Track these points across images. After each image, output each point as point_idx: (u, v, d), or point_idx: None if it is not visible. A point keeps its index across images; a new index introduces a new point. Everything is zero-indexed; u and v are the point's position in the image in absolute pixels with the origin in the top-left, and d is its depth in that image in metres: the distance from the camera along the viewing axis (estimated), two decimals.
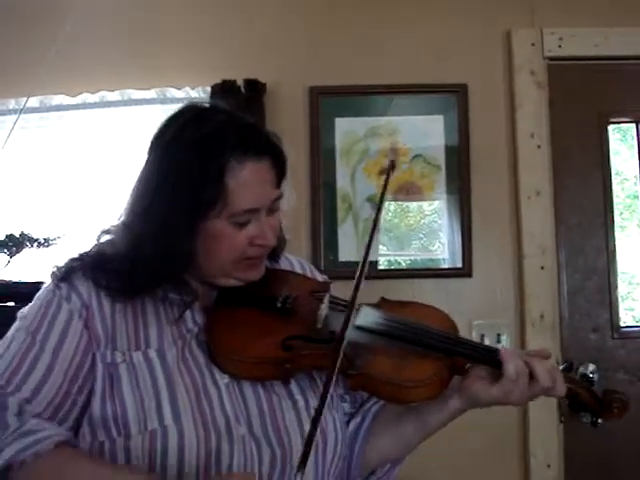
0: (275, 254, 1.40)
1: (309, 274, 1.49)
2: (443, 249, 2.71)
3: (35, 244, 2.43)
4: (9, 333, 1.22)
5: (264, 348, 1.23)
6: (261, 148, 1.22)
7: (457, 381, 1.27)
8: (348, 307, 1.19)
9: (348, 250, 2.67)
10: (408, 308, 1.36)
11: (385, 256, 2.72)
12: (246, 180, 1.18)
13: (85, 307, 1.21)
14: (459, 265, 2.68)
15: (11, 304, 2.33)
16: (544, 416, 2.57)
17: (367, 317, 1.27)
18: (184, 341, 1.24)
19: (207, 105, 1.28)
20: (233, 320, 1.27)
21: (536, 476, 2.58)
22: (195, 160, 1.17)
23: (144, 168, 1.24)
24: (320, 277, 1.50)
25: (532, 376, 1.21)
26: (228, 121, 1.22)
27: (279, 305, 1.29)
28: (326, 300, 1.29)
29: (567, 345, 2.64)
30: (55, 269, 1.25)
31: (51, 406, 1.16)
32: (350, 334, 1.18)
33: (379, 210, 1.35)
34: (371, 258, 2.57)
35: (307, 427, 1.19)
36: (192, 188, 1.16)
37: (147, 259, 1.19)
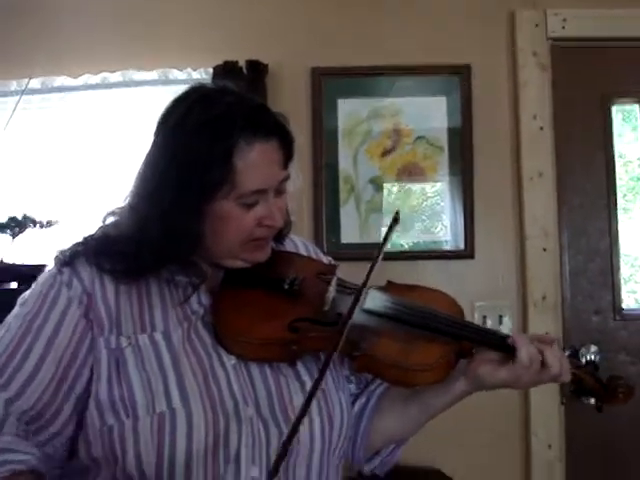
0: (281, 236, 1.40)
1: (314, 256, 1.49)
2: (446, 231, 2.71)
3: (37, 226, 2.43)
4: (8, 320, 1.21)
5: (271, 330, 1.23)
6: (269, 129, 1.21)
7: (463, 364, 1.27)
8: (357, 292, 1.19)
9: (350, 232, 2.67)
10: (415, 292, 1.36)
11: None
12: (254, 161, 1.18)
13: (86, 294, 1.21)
14: (461, 247, 2.68)
15: (14, 285, 2.34)
16: (546, 397, 2.58)
17: (374, 300, 1.27)
18: (189, 323, 1.24)
19: (214, 86, 1.27)
20: (239, 301, 1.27)
21: (537, 456, 2.59)
22: (203, 142, 1.16)
23: (151, 150, 1.23)
24: (325, 259, 1.50)
25: (542, 363, 1.22)
26: (236, 102, 1.21)
27: (286, 287, 1.29)
28: (334, 282, 1.30)
29: (569, 327, 2.64)
30: (59, 253, 1.24)
31: (41, 400, 1.16)
32: (357, 317, 1.18)
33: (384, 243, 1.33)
34: (373, 240, 2.61)
35: (312, 408, 1.20)
36: (199, 170, 1.16)
37: (153, 241, 1.18)
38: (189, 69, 2.68)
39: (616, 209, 2.70)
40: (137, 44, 2.71)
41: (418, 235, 2.72)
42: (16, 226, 2.41)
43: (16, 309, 1.22)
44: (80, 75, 2.72)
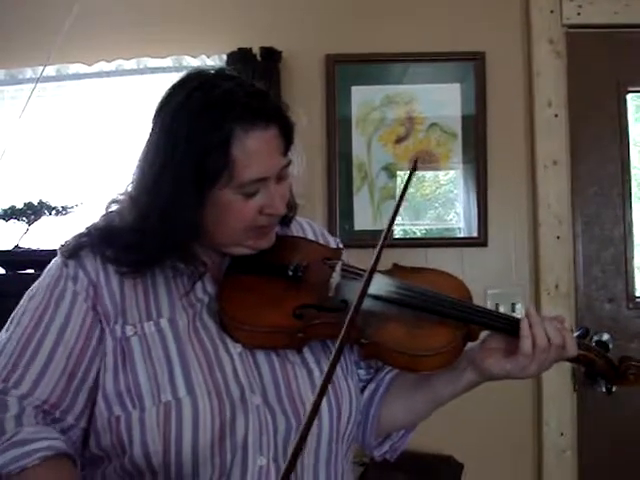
0: (287, 219, 1.39)
1: (321, 239, 1.46)
2: (459, 219, 2.71)
3: (53, 212, 2.44)
4: (17, 314, 1.22)
5: (276, 317, 1.22)
6: (267, 116, 1.18)
7: (472, 353, 1.27)
8: (365, 279, 1.15)
9: (364, 219, 2.68)
10: (421, 274, 1.34)
11: (400, 225, 2.72)
12: (253, 150, 1.16)
13: (92, 285, 1.21)
14: (474, 234, 2.67)
15: (30, 271, 2.36)
16: (558, 384, 2.58)
17: (380, 285, 1.25)
18: (194, 310, 1.24)
19: (213, 71, 1.24)
20: (244, 289, 1.26)
21: (549, 444, 2.60)
22: (200, 130, 1.14)
23: (150, 138, 1.21)
24: (333, 241, 1.48)
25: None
26: (234, 89, 1.18)
27: (290, 273, 1.27)
28: (338, 268, 1.28)
29: (582, 315, 2.64)
30: (63, 245, 1.24)
31: (54, 394, 1.16)
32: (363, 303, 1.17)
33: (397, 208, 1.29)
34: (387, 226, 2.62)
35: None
36: (198, 159, 1.14)
37: (155, 231, 1.17)
38: (203, 56, 2.68)
39: (630, 197, 2.68)
40: (151, 31, 2.71)
41: (431, 222, 2.72)
42: (32, 212, 2.42)
43: (25, 303, 1.22)
44: (95, 62, 2.73)
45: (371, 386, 1.41)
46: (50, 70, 2.69)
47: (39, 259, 2.31)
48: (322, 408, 1.21)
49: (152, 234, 1.17)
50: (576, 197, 2.67)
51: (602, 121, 2.69)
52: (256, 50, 2.62)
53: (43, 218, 2.45)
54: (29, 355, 1.16)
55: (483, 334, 1.28)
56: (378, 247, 1.13)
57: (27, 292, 1.25)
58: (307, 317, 1.21)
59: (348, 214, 2.69)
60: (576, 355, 1.24)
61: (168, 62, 2.70)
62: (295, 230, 1.44)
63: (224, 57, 2.64)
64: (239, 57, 2.60)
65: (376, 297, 1.24)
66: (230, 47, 2.62)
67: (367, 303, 1.17)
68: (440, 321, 1.23)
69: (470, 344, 1.27)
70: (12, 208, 2.42)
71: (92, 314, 1.20)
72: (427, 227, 2.72)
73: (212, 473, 1.13)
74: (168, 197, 1.16)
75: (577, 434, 2.61)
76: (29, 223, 2.44)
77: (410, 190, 2.72)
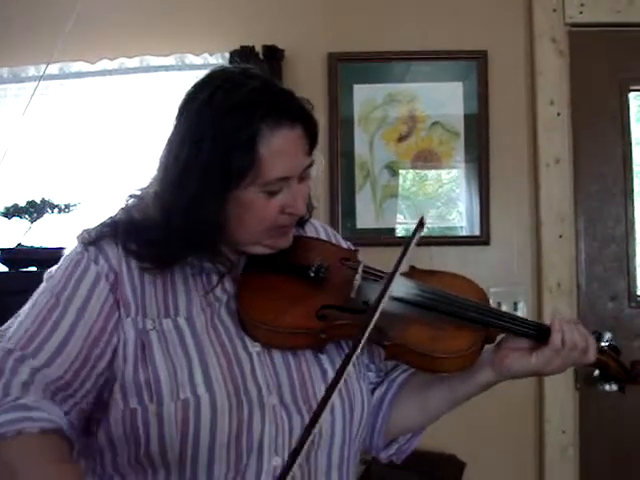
0: (302, 221, 1.39)
1: (334, 240, 1.46)
2: (461, 218, 2.71)
3: (56, 210, 2.45)
4: (35, 295, 1.20)
5: (298, 318, 1.21)
6: (294, 116, 1.18)
7: (486, 353, 1.27)
8: (386, 280, 1.16)
9: (366, 217, 2.68)
10: (439, 278, 1.35)
11: (403, 224, 2.72)
12: (278, 148, 1.16)
13: (114, 272, 1.19)
14: (477, 233, 2.68)
15: (33, 269, 2.36)
16: (560, 383, 2.58)
17: (402, 287, 1.25)
18: (212, 309, 1.23)
19: (238, 70, 1.24)
20: (263, 288, 1.26)
21: (551, 442, 2.60)
22: (227, 128, 1.14)
23: (174, 135, 1.21)
24: (344, 243, 1.48)
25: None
26: (260, 88, 1.18)
27: (312, 274, 1.27)
28: (360, 269, 1.28)
29: (584, 313, 2.64)
30: (85, 232, 1.23)
31: (69, 371, 1.14)
32: (385, 305, 1.16)
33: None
34: (389, 225, 2.63)
35: (337, 397, 1.19)
36: (224, 157, 1.14)
37: (180, 229, 1.17)
38: (206, 54, 2.68)
39: (632, 195, 2.68)
40: (154, 29, 2.72)
41: (433, 221, 2.72)
42: (35, 210, 2.43)
43: (43, 285, 1.21)
44: (98, 60, 2.73)
45: (381, 388, 1.40)
46: (53, 68, 2.69)
47: (42, 257, 2.33)
48: (335, 409, 1.21)
49: (177, 231, 1.17)
50: (578, 195, 2.67)
51: (604, 119, 2.69)
52: (258, 48, 2.62)
53: (46, 216, 2.46)
54: (47, 330, 1.14)
55: (499, 337, 1.29)
56: (402, 251, 1.14)
57: (45, 274, 1.23)
58: (330, 318, 1.21)
59: (350, 212, 2.69)
60: (594, 361, 1.26)
61: (171, 60, 2.70)
62: (309, 231, 1.44)
63: (227, 55, 2.64)
64: (241, 55, 2.60)
65: (398, 299, 1.24)
66: (233, 45, 2.62)
67: (389, 305, 1.18)
68: (461, 324, 1.23)
69: (488, 350, 1.28)
70: (15, 206, 2.43)
71: (112, 298, 1.19)
72: (429, 226, 2.72)
73: (227, 471, 1.13)
74: (194, 195, 1.15)
75: (579, 432, 2.61)
76: (32, 221, 2.44)
77: (412, 189, 2.72)
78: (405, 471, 2.39)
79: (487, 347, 1.28)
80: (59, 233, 2.48)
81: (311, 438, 0.99)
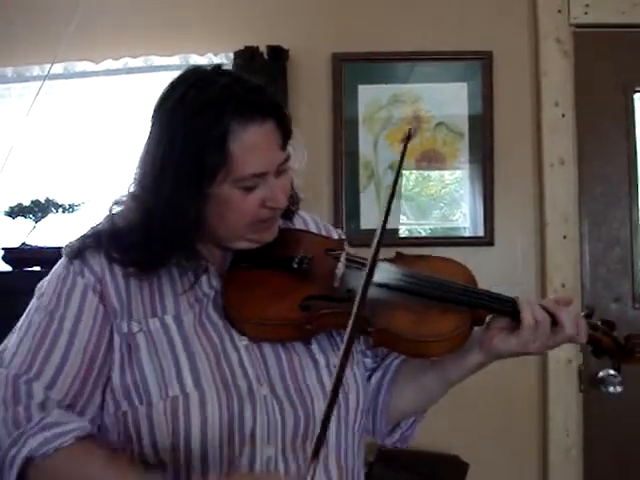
0: (289, 213, 1.39)
1: (324, 232, 1.47)
2: (464, 218, 2.71)
3: (60, 210, 2.45)
4: (28, 313, 1.23)
5: (282, 310, 1.22)
6: (264, 111, 1.18)
7: (477, 334, 1.27)
8: (369, 267, 1.13)
9: (370, 218, 2.68)
10: (425, 261, 1.35)
11: (406, 225, 2.72)
12: (250, 145, 1.16)
13: (99, 281, 1.21)
14: (481, 234, 2.67)
15: (37, 269, 2.36)
16: (564, 385, 2.58)
17: (385, 273, 1.26)
18: (200, 305, 1.24)
19: (209, 68, 1.25)
20: (249, 282, 1.27)
21: (555, 443, 2.60)
22: (198, 127, 1.15)
23: (148, 137, 1.22)
24: (335, 233, 1.49)
25: (556, 324, 1.22)
26: (230, 84, 1.18)
27: (295, 266, 1.28)
28: (343, 258, 1.28)
29: None
30: (68, 246, 1.25)
31: (72, 389, 1.16)
32: (368, 292, 1.17)
33: (398, 174, 1.32)
34: (391, 226, 2.62)
35: (328, 387, 1.19)
36: (196, 155, 1.14)
37: (158, 229, 1.18)
38: (210, 54, 2.68)
39: (637, 197, 2.68)
40: (158, 29, 2.72)
41: (436, 222, 2.72)
42: (39, 210, 2.43)
43: (35, 302, 1.23)
44: (102, 60, 2.73)
45: (378, 373, 1.41)
46: (57, 68, 2.69)
47: (46, 257, 2.31)
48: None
49: (155, 232, 1.18)
50: (583, 197, 2.67)
51: (609, 120, 2.69)
52: (263, 48, 2.62)
53: (50, 216, 2.45)
54: (45, 351, 1.17)
55: (489, 318, 1.29)
56: (379, 230, 1.14)
57: (36, 290, 1.25)
58: (314, 308, 1.22)
59: (354, 213, 2.69)
60: (586, 340, 1.26)
61: (175, 60, 2.70)
62: (298, 224, 1.44)
63: (231, 55, 2.64)
64: (246, 55, 2.60)
65: (382, 285, 1.25)
66: (237, 45, 2.62)
67: (373, 292, 1.17)
68: (447, 307, 1.23)
69: (477, 331, 1.28)
70: (19, 206, 2.43)
71: (103, 307, 1.21)
72: (432, 226, 2.72)
73: (221, 465, 1.14)
74: (169, 194, 1.16)
75: (583, 433, 2.61)
76: (36, 221, 2.44)
77: (415, 190, 2.72)
78: (408, 472, 2.40)
79: (478, 329, 1.27)
80: (63, 233, 2.48)
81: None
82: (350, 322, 1.00)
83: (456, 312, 1.23)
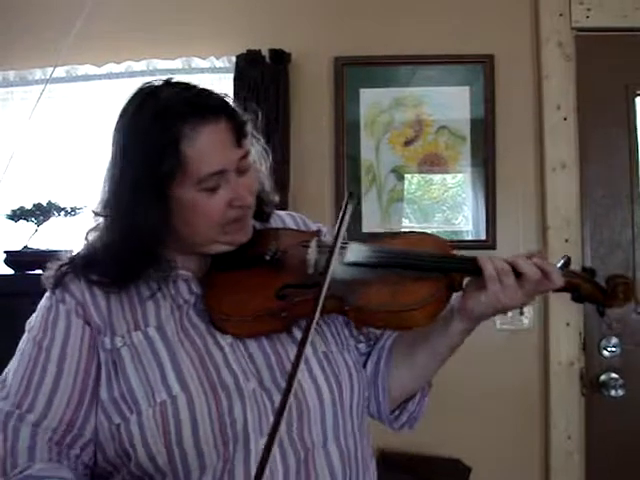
0: (264, 215, 1.42)
1: (302, 226, 1.49)
2: (467, 222, 2.71)
3: (62, 213, 2.46)
4: (20, 346, 1.26)
5: (259, 302, 1.24)
6: (213, 110, 1.21)
7: (454, 302, 1.28)
8: (330, 247, 1.18)
9: (372, 221, 2.68)
10: (398, 238, 1.37)
11: (408, 228, 2.72)
12: (202, 145, 1.18)
13: (80, 305, 1.24)
14: (483, 237, 2.67)
15: (39, 272, 2.36)
16: (566, 388, 2.58)
17: (355, 252, 1.27)
18: (181, 312, 1.26)
19: (160, 82, 1.27)
20: (228, 283, 1.29)
21: (556, 447, 2.59)
22: (150, 135, 1.17)
23: (110, 153, 1.25)
24: (314, 226, 1.50)
25: (520, 274, 1.20)
26: (177, 92, 1.22)
27: (268, 258, 1.29)
28: (313, 244, 1.30)
29: (590, 318, 2.63)
30: (47, 278, 1.27)
31: (68, 412, 1.18)
32: (339, 272, 1.20)
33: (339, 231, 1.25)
34: (395, 230, 2.62)
35: (316, 372, 1.24)
36: (151, 163, 1.17)
37: (123, 241, 1.20)
38: (212, 58, 2.69)
39: (639, 200, 2.68)
40: (161, 33, 2.73)
41: (439, 225, 2.72)
42: (41, 213, 2.44)
43: (25, 335, 1.26)
44: (104, 64, 2.74)
45: (373, 357, 1.42)
46: (59, 71, 2.70)
47: (48, 260, 2.33)
48: (321, 384, 1.24)
49: (123, 245, 1.20)
50: (585, 200, 2.67)
51: (611, 124, 2.69)
52: (265, 52, 2.63)
53: (52, 219, 2.46)
54: (37, 379, 1.20)
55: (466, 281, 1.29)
56: (340, 215, 1.15)
57: (26, 325, 1.28)
58: (289, 296, 1.23)
59: (356, 216, 2.68)
60: (562, 284, 1.24)
61: (177, 64, 2.71)
62: (275, 224, 1.46)
63: (233, 59, 2.65)
64: (248, 59, 2.61)
65: (353, 264, 1.26)
66: (239, 49, 2.63)
67: (346, 271, 1.21)
68: (420, 276, 1.23)
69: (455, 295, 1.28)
70: (21, 209, 2.44)
71: (89, 329, 1.23)
72: (435, 230, 2.72)
73: (217, 462, 1.15)
74: (128, 205, 1.19)
75: (584, 437, 2.61)
76: (38, 224, 2.45)
77: (417, 193, 2.72)
78: (410, 475, 2.40)
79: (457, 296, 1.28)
80: (65, 236, 2.48)
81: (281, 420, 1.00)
82: (318, 298, 1.03)
83: (430, 279, 1.23)
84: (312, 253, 1.28)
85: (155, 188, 1.18)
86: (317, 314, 1.09)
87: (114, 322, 1.23)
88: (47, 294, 1.28)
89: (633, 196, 2.67)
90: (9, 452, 1.14)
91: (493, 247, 2.66)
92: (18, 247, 2.45)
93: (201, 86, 1.26)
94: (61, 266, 1.28)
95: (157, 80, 1.29)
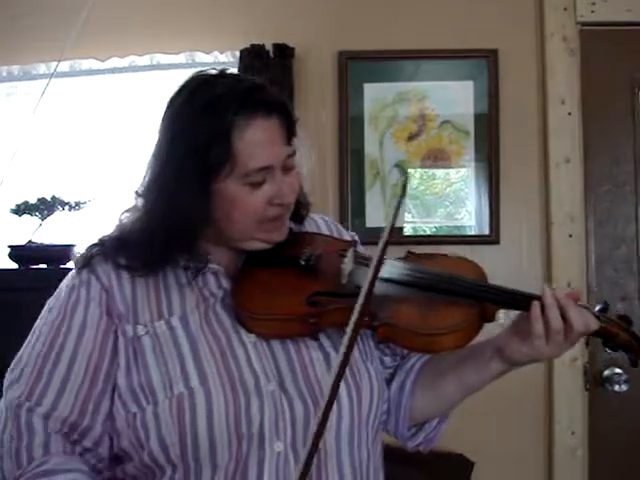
0: (300, 217, 1.40)
1: (336, 234, 1.47)
2: (470, 217, 2.70)
3: (66, 207, 2.46)
4: (38, 326, 1.25)
5: (289, 305, 1.23)
6: (267, 106, 1.21)
7: (497, 341, 1.27)
8: (373, 261, 1.14)
9: (375, 216, 2.68)
10: (435, 259, 1.35)
11: (411, 223, 2.72)
12: (254, 139, 1.18)
13: (105, 289, 1.23)
14: (486, 232, 2.67)
15: (43, 266, 2.37)
16: (569, 383, 2.58)
17: (392, 269, 1.27)
18: (207, 305, 1.25)
19: (215, 72, 1.27)
20: (258, 281, 1.28)
21: (560, 443, 2.59)
22: (202, 125, 1.17)
23: (157, 139, 1.24)
24: (348, 235, 1.49)
25: (568, 326, 1.19)
26: (233, 83, 1.22)
27: (303, 262, 1.28)
28: (349, 255, 1.29)
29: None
30: (76, 257, 1.27)
31: (77, 403, 1.18)
32: (375, 287, 1.17)
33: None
34: (398, 225, 2.61)
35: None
36: (200, 152, 1.16)
37: (161, 228, 1.19)
38: (216, 52, 2.69)
39: None
40: (164, 28, 2.72)
41: (441, 220, 2.72)
42: (45, 208, 2.44)
43: (45, 314, 1.26)
44: (108, 59, 2.74)
45: (401, 375, 1.41)
46: (63, 66, 2.70)
47: (52, 254, 2.34)
48: (340, 393, 1.21)
49: (159, 230, 1.20)
50: (589, 195, 2.66)
51: (615, 119, 2.68)
52: (269, 47, 2.62)
53: (56, 213, 2.46)
54: (50, 367, 1.19)
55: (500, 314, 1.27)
56: (387, 228, 1.12)
57: (47, 303, 1.27)
58: (320, 304, 1.22)
59: (360, 211, 2.68)
60: (598, 329, 1.23)
61: (181, 58, 2.71)
62: (309, 227, 1.45)
63: (237, 53, 2.64)
64: (252, 53, 2.60)
65: (388, 280, 1.25)
66: (243, 43, 2.62)
67: (379, 287, 1.17)
68: (452, 300, 1.22)
69: (493, 328, 1.27)
70: (25, 203, 2.44)
71: (106, 319, 1.22)
72: (438, 225, 2.72)
73: (229, 461, 1.14)
74: (172, 191, 1.18)
75: (588, 433, 2.61)
76: (42, 218, 2.45)
77: (420, 188, 2.72)
78: (413, 470, 2.39)
79: (491, 328, 1.26)
80: (69, 231, 2.49)
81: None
82: (354, 313, 1.01)
83: (462, 305, 1.22)
84: (348, 263, 1.27)
85: (200, 178, 1.18)
86: (356, 332, 1.05)
87: (138, 309, 1.23)
88: (72, 273, 1.27)
89: (637, 191, 2.67)
90: (24, 450, 1.14)
91: (496, 242, 2.66)
92: (22, 242, 2.45)
93: (257, 79, 1.26)
94: (92, 246, 1.27)
95: (211, 68, 1.29)
